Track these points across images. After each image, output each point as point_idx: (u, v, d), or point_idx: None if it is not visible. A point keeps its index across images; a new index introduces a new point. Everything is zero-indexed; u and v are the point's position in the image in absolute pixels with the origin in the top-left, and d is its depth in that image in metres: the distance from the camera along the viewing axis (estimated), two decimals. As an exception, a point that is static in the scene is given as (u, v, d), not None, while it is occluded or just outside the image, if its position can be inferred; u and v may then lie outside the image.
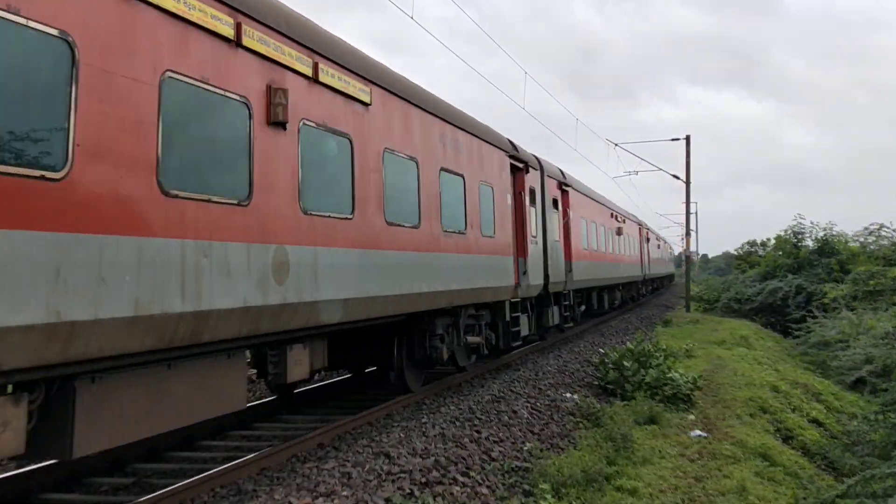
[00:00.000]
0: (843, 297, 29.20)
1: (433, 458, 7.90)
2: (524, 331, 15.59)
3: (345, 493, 6.61)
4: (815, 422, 14.00)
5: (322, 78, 8.25)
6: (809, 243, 40.26)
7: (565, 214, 20.25)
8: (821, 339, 24.85)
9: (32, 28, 4.86)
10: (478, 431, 9.34)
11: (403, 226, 10.07)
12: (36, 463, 7.20)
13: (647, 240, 44.31)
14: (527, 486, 7.65)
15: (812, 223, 41.18)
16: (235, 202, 6.68)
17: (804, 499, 8.92)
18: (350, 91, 8.84)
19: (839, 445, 12.71)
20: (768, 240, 54.58)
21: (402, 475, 7.25)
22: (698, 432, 10.94)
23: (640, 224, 41.02)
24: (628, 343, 17.06)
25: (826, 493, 9.04)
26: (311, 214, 7.84)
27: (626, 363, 13.60)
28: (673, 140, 38.05)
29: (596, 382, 14.06)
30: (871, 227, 38.86)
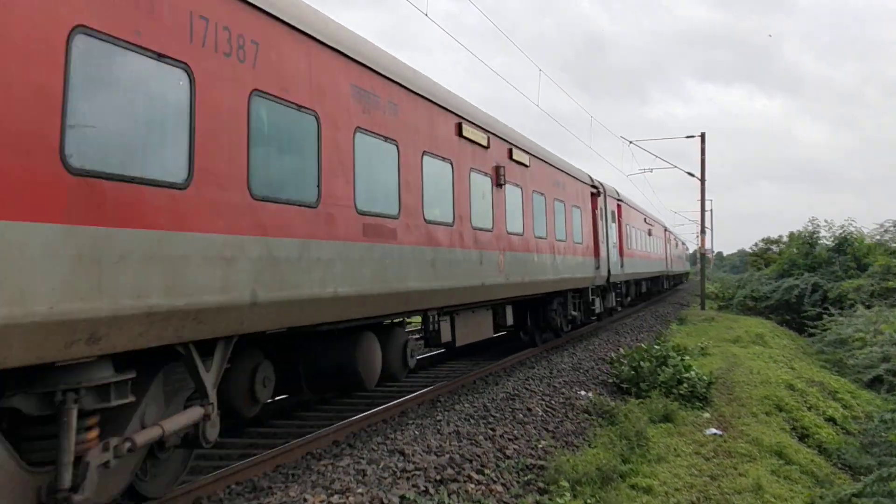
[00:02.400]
0: (859, 289, 28.98)
1: (448, 456, 7.92)
2: None
3: (360, 490, 6.63)
4: (832, 420, 13.91)
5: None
6: (826, 241, 39.97)
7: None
8: (837, 336, 24.69)
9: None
10: (492, 429, 9.35)
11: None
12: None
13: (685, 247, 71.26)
14: (542, 484, 7.65)
15: (826, 221, 40.95)
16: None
17: (820, 498, 8.87)
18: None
19: (855, 445, 12.62)
20: (781, 237, 54.35)
21: (417, 472, 7.27)
22: (713, 430, 10.90)
23: (683, 242, 66.95)
24: (643, 343, 17.02)
25: (842, 492, 8.98)
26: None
27: (643, 364, 13.54)
28: (688, 137, 37.88)
29: (611, 380, 14.03)
30: (887, 224, 38.55)
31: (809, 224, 41.91)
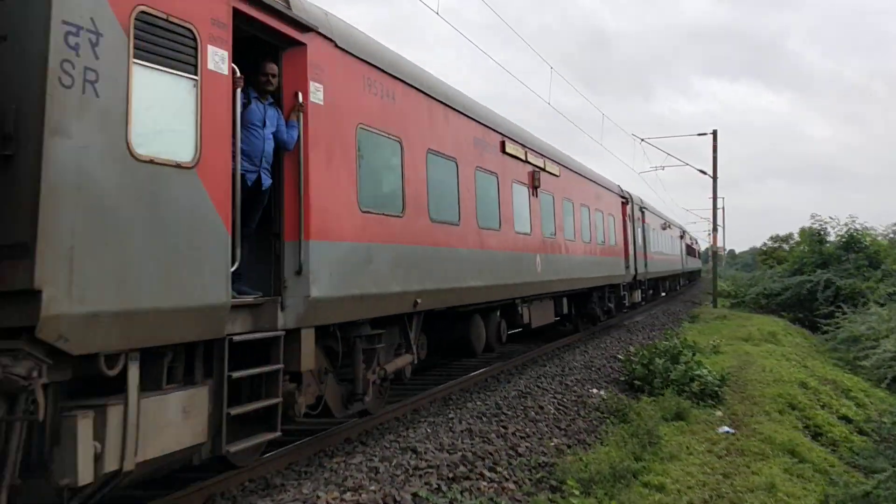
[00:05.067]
0: (872, 290, 28.82)
1: (460, 454, 7.92)
2: None
3: (372, 487, 6.64)
4: (845, 418, 13.83)
5: None
6: (833, 239, 39.60)
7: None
8: (850, 334, 24.51)
9: None
10: (504, 427, 9.35)
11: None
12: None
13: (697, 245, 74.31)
14: (554, 482, 7.65)
15: (831, 217, 40.44)
16: None
17: (833, 495, 8.83)
18: None
19: (869, 443, 12.55)
20: (790, 234, 54.03)
21: (430, 470, 7.28)
22: (726, 428, 10.86)
23: (696, 241, 71.80)
24: (656, 341, 16.98)
25: (855, 490, 8.93)
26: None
27: (656, 360, 13.50)
28: (700, 135, 37.78)
29: (623, 378, 14.01)
30: None
31: (815, 221, 41.45)
